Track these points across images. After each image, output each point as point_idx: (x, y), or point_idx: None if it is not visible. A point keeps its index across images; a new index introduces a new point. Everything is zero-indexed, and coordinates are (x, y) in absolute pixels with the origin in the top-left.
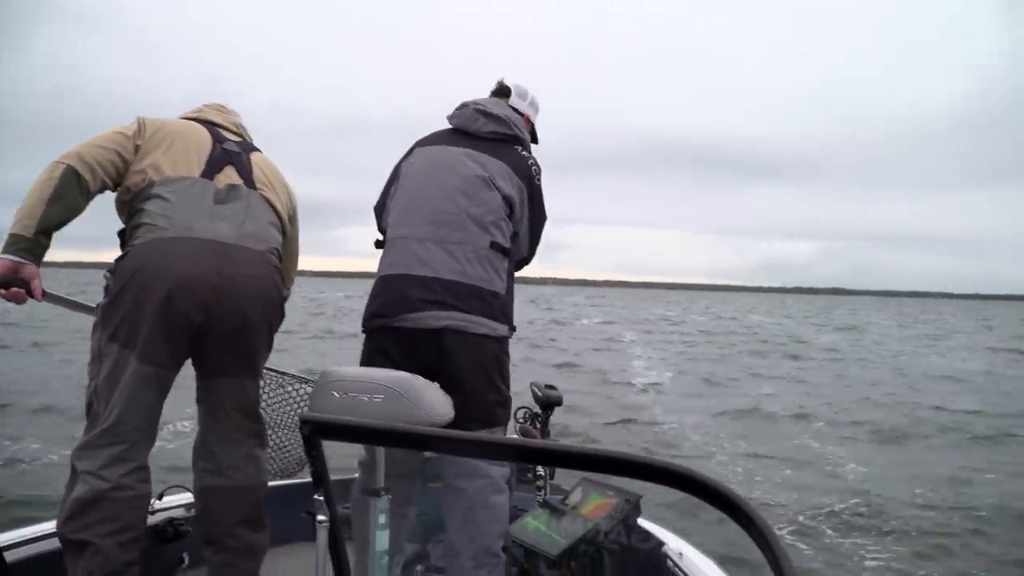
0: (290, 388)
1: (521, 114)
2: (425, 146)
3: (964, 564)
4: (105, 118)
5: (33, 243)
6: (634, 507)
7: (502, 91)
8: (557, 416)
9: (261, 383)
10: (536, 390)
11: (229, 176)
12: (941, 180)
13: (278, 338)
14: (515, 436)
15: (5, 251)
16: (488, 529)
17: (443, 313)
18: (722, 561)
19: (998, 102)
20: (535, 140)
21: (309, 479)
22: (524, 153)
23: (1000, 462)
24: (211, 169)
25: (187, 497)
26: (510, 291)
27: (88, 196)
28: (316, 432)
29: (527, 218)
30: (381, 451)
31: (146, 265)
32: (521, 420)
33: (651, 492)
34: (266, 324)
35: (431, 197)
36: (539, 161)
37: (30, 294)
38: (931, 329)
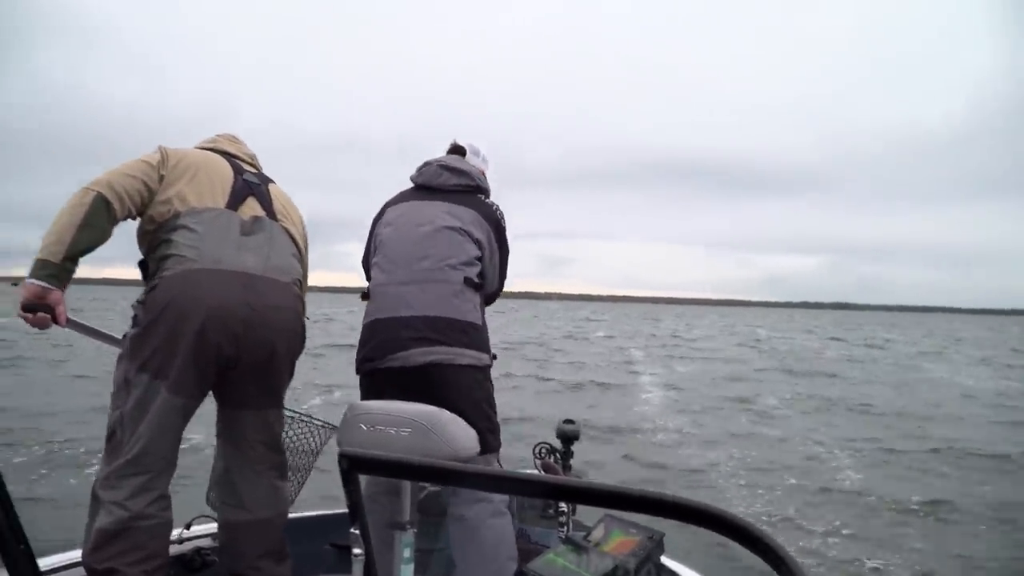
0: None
1: (479, 169)
2: (395, 204)
3: None
4: (114, 137)
5: (60, 269)
6: (657, 544)
7: (457, 150)
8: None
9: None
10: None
11: (252, 207)
12: (943, 192)
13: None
14: (534, 471)
15: (32, 276)
16: (493, 553)
17: (429, 349)
18: None
19: (998, 113)
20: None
21: (326, 511)
22: (488, 200)
23: None
24: (235, 200)
25: (214, 527)
26: (484, 323)
27: (115, 224)
28: (353, 467)
29: (496, 256)
30: (408, 484)
31: (179, 297)
32: (541, 455)
33: (674, 528)
34: (291, 355)
35: (408, 248)
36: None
37: (55, 320)
38: (974, 349)
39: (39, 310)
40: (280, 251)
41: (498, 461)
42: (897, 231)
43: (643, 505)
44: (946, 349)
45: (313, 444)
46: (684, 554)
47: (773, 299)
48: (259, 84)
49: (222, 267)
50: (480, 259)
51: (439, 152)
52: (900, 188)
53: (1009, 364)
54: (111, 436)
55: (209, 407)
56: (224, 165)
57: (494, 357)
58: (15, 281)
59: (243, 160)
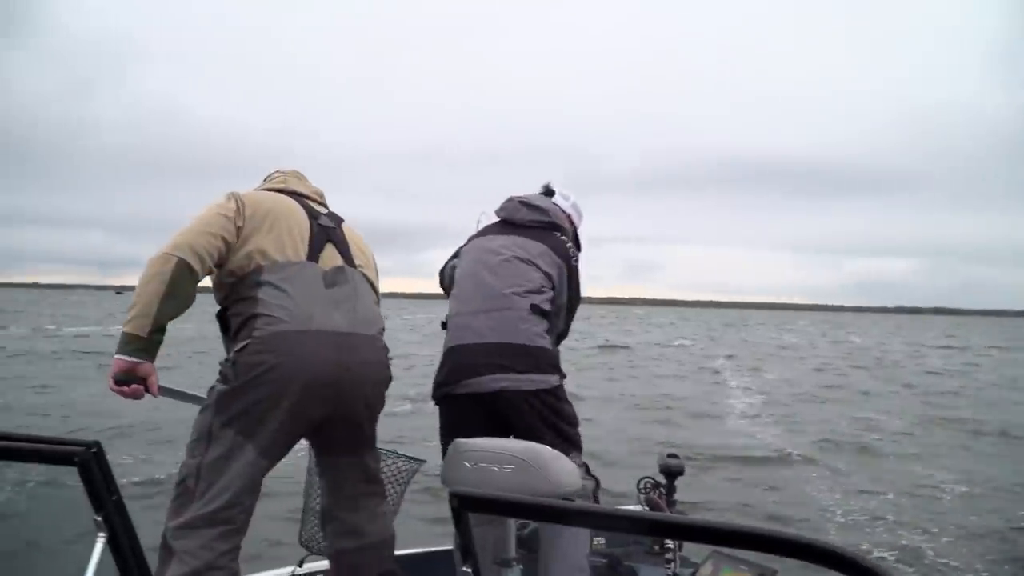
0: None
1: (565, 213)
2: (477, 238)
3: None
4: (205, 151)
5: (148, 343)
6: None
7: (548, 192)
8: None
9: None
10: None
11: (332, 256)
12: None
13: None
14: (637, 507)
15: (122, 351)
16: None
17: (498, 376)
18: None
19: None
20: (578, 245)
21: (421, 548)
22: (563, 238)
23: None
24: (314, 250)
25: (324, 564)
26: (554, 346)
27: (197, 284)
28: (463, 505)
29: (566, 294)
30: (512, 521)
31: (272, 364)
32: (645, 491)
33: (788, 566)
34: (380, 404)
35: (479, 279)
36: (576, 251)
37: (147, 390)
38: None
39: (132, 382)
40: (364, 302)
41: (595, 494)
42: (1000, 230)
43: (761, 543)
44: None
45: (402, 478)
46: None
47: (867, 304)
48: (345, 97)
49: (314, 327)
50: (547, 288)
51: (516, 164)
52: (1000, 183)
53: None
54: (182, 482)
55: None
56: (298, 210)
57: (563, 376)
58: (119, 290)
59: (313, 200)
